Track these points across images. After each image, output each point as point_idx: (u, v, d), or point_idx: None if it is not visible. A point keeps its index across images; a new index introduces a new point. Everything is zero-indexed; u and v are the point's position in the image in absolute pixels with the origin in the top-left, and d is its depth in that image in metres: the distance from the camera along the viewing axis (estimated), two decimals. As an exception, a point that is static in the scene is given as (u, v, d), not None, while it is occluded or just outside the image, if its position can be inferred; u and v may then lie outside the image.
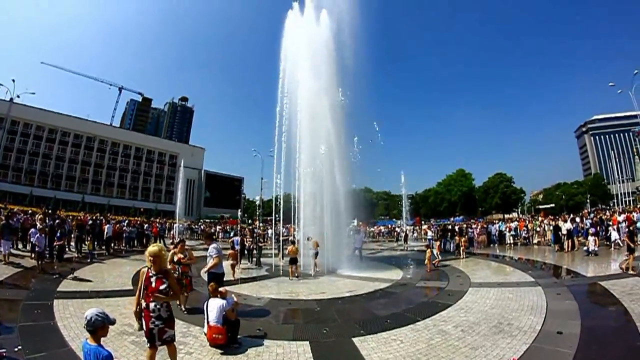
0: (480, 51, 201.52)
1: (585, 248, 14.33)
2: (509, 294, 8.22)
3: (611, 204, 63.10)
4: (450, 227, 27.68)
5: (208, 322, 5.12)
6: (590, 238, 14.10)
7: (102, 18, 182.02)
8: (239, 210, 43.46)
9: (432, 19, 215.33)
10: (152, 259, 3.69)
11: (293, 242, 13.25)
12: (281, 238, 17.57)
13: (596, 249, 13.79)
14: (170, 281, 3.67)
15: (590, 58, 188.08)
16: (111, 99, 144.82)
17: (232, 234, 29.12)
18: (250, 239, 16.64)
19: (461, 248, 16.59)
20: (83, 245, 15.41)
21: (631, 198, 66.26)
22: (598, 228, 17.03)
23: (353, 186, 16.81)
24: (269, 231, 27.29)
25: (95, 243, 15.76)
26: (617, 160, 79.01)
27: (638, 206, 32.62)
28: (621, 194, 68.62)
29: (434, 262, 13.24)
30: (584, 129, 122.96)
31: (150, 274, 3.69)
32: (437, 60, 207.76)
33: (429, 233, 25.76)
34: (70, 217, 22.67)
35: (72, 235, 16.05)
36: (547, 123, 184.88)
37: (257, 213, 49.26)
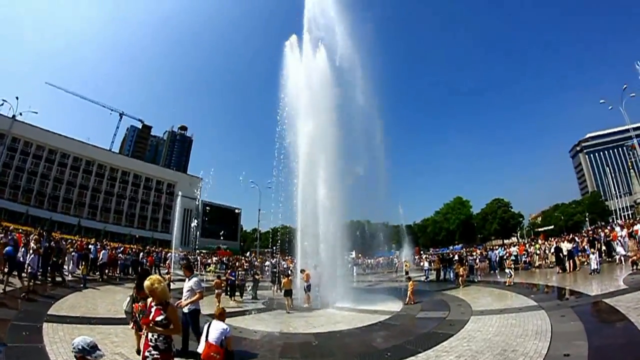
0: (472, 72, 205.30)
1: (587, 263, 14.09)
2: (512, 320, 7.98)
3: (610, 220, 62.48)
4: (450, 256, 27.25)
5: (207, 340, 4.87)
6: (592, 256, 13.91)
7: (109, 43, 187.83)
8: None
9: (424, 41, 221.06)
10: (149, 292, 3.69)
11: (287, 275, 12.95)
12: (278, 270, 17.16)
13: (598, 266, 13.52)
14: (169, 314, 3.58)
15: (579, 76, 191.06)
16: (112, 124, 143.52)
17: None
18: (243, 272, 15.99)
19: (460, 278, 16.22)
20: (77, 269, 14.95)
21: (630, 212, 65.84)
22: (597, 245, 16.88)
23: (350, 219, 16.65)
24: (267, 263, 26.63)
25: (89, 268, 15.25)
26: (613, 175, 79.28)
27: (638, 218, 32.47)
28: (620, 208, 68.19)
29: None
30: (578, 148, 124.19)
31: (153, 304, 3.68)
32: (429, 87, 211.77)
33: (425, 264, 25.25)
34: (65, 240, 22.22)
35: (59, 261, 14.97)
36: (541, 145, 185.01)
37: (254, 245, 48.38)
